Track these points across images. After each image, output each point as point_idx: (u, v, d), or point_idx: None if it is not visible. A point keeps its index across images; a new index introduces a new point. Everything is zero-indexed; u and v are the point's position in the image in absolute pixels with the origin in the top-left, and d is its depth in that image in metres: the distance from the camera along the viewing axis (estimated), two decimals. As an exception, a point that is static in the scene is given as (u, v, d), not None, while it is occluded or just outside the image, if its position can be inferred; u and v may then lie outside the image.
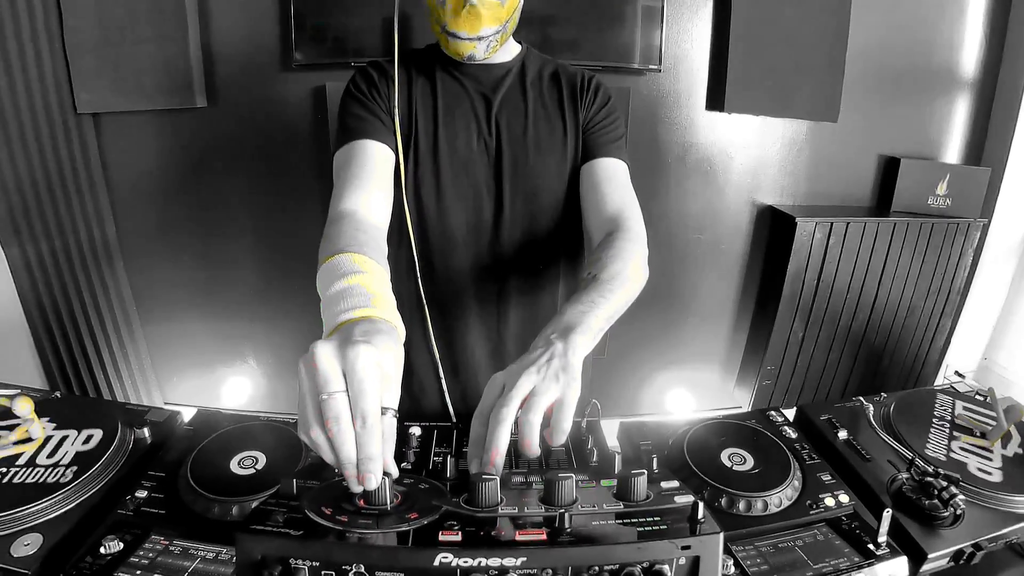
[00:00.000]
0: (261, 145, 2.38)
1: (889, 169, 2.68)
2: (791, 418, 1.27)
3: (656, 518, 0.58)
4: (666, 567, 0.55)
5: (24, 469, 0.94)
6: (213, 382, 2.76)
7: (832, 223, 2.48)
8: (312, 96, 2.29)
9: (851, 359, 2.81)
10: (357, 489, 0.58)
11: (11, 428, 1.00)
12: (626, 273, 0.99)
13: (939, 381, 3.04)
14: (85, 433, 1.04)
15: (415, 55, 1.17)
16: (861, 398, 1.27)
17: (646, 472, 0.62)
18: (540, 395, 0.69)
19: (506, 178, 1.15)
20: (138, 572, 0.74)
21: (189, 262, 2.57)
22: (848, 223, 2.50)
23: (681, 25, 2.33)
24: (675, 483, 0.64)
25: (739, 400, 2.93)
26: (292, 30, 2.16)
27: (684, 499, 0.61)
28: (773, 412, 1.24)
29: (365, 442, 0.57)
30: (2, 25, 2.08)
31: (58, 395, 1.20)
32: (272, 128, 2.35)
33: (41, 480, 0.92)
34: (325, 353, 0.59)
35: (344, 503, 0.58)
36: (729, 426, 1.16)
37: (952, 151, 2.74)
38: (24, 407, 0.99)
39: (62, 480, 0.91)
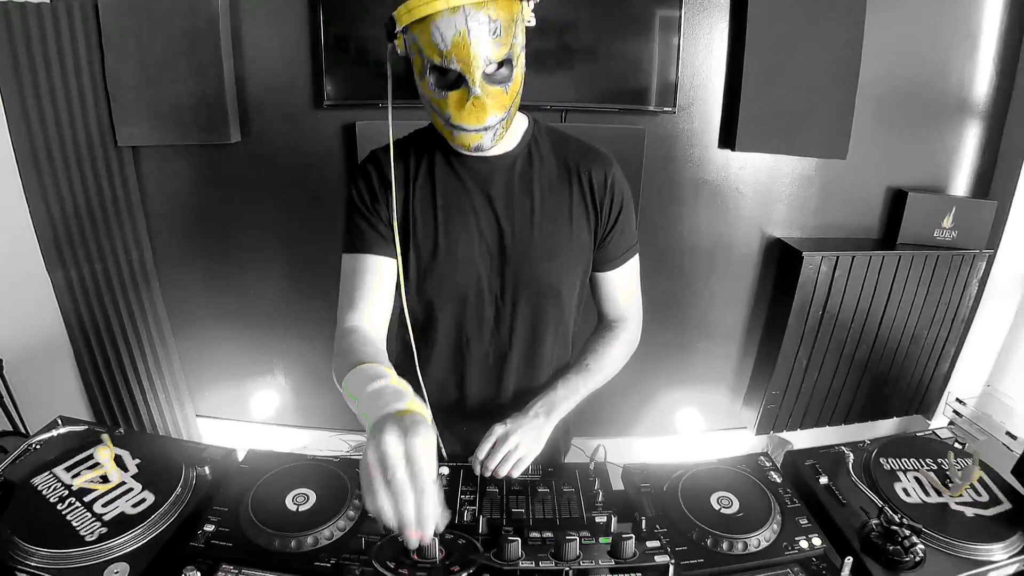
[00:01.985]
0: (291, 179, 2.53)
1: (896, 202, 2.75)
2: (780, 460, 1.38)
3: (639, 574, 0.76)
4: None
5: (104, 505, 1.08)
6: (243, 395, 2.91)
7: (838, 256, 2.57)
8: (341, 134, 2.43)
9: (855, 385, 2.90)
10: (415, 545, 0.73)
11: (92, 466, 1.15)
12: (609, 370, 1.27)
13: (941, 408, 3.11)
14: (154, 471, 1.18)
15: (416, 140, 1.19)
16: (843, 446, 1.37)
17: (634, 536, 0.77)
18: (521, 454, 1.09)
19: (508, 282, 1.17)
20: (216, 598, 0.88)
21: (220, 285, 2.73)
22: (854, 256, 2.59)
23: (695, 68, 2.43)
24: (657, 543, 0.79)
25: (745, 421, 3.03)
26: (323, 70, 2.30)
27: (662, 559, 0.77)
28: (762, 458, 1.35)
29: (423, 507, 0.71)
30: (49, 65, 2.24)
31: (121, 431, 1.34)
32: (302, 163, 2.50)
33: (140, 501, 1.07)
34: (392, 442, 0.72)
35: (402, 557, 0.74)
36: (720, 471, 1.27)
37: (960, 183, 2.81)
38: (104, 455, 1.12)
39: (139, 515, 1.05)
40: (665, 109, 2.40)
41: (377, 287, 1.13)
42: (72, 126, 2.34)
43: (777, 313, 2.76)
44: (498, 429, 1.09)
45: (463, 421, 1.30)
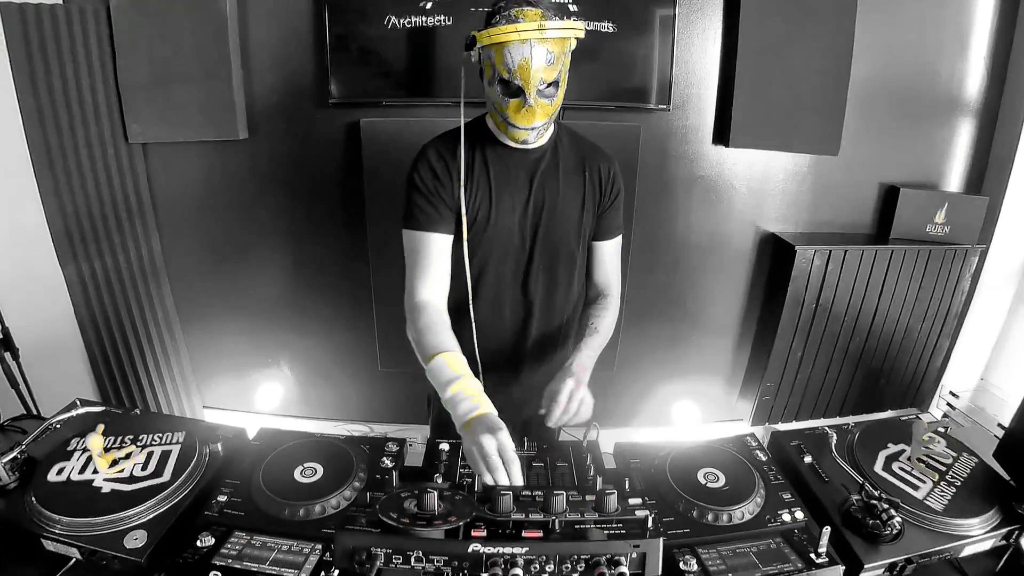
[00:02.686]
0: (297, 175, 2.59)
1: (889, 198, 2.79)
2: (767, 440, 1.44)
3: (619, 525, 0.87)
4: (623, 559, 0.83)
5: (124, 478, 1.15)
6: (249, 387, 2.97)
7: (831, 251, 2.62)
8: (346, 131, 2.49)
9: (849, 378, 2.94)
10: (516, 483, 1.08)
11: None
12: (608, 331, 1.55)
13: (935, 401, 3.15)
14: (170, 448, 1.25)
15: (467, 134, 1.39)
16: (827, 427, 1.43)
17: (616, 491, 0.86)
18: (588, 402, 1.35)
19: (538, 244, 1.46)
20: (229, 560, 0.95)
21: (227, 279, 2.79)
22: (846, 250, 2.64)
23: (690, 66, 2.49)
24: (639, 500, 0.86)
25: (741, 413, 3.08)
26: (328, 69, 2.36)
27: (641, 513, 0.87)
28: (749, 438, 1.41)
29: (512, 473, 1.09)
30: (62, 64, 2.30)
31: (138, 411, 1.40)
32: (308, 160, 2.56)
33: (141, 487, 1.14)
34: (487, 441, 1.09)
35: (404, 509, 0.82)
36: (707, 449, 1.34)
37: (952, 179, 2.85)
38: (96, 444, 1.19)
39: (157, 486, 1.12)
40: (660, 107, 2.46)
41: (438, 260, 1.40)
42: (84, 124, 2.40)
43: (771, 307, 2.81)
44: (569, 383, 1.33)
45: (500, 355, 1.56)
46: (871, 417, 3.19)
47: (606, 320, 1.55)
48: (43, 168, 2.42)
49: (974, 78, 2.69)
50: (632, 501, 0.89)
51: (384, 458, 1.25)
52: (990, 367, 3.18)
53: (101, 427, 1.24)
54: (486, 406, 1.19)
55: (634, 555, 0.83)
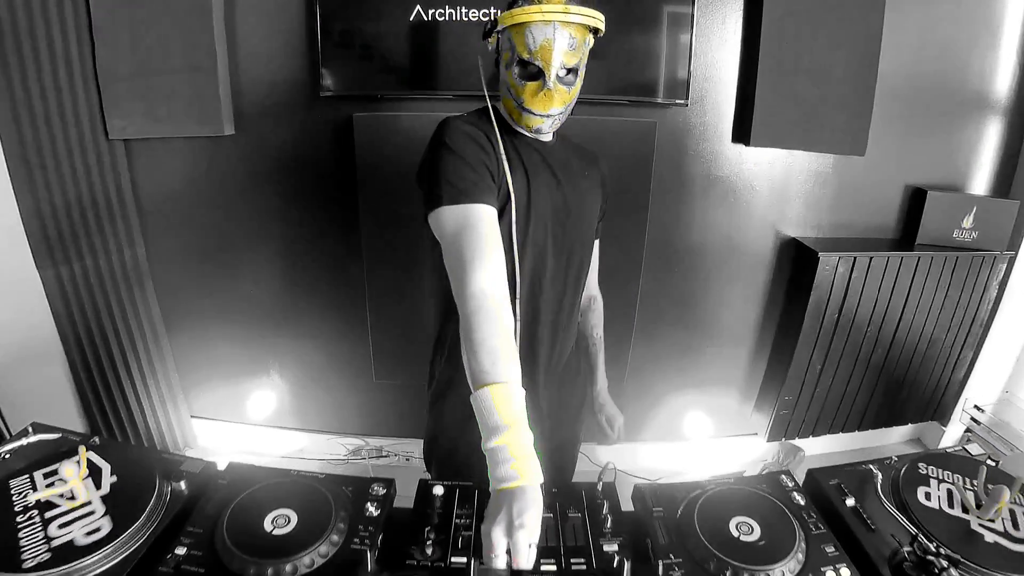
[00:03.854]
0: (287, 172, 2.44)
1: (915, 200, 2.65)
2: (801, 479, 1.28)
3: None
4: None
5: (70, 523, 1.00)
6: (238, 396, 2.82)
7: (855, 258, 2.47)
8: (339, 126, 2.33)
9: (870, 390, 2.80)
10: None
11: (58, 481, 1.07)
12: (603, 332, 1.76)
13: (957, 415, 3.02)
14: (125, 485, 1.10)
15: (485, 117, 1.31)
16: (871, 465, 1.28)
17: None
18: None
19: (567, 233, 1.38)
20: (182, 629, 0.79)
21: (215, 282, 2.64)
22: (871, 257, 2.49)
23: (708, 59, 2.33)
24: None
25: (756, 426, 2.94)
26: (320, 60, 2.21)
27: None
28: (783, 476, 1.25)
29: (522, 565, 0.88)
30: (37, 54, 2.15)
31: (96, 440, 1.26)
32: (298, 156, 2.40)
33: (86, 534, 0.98)
34: (498, 536, 0.89)
35: None
36: (739, 493, 1.18)
37: (979, 181, 2.71)
38: (71, 472, 1.04)
39: (105, 535, 0.97)
40: (677, 101, 2.30)
41: (494, 235, 1.16)
42: (62, 119, 2.25)
43: (791, 316, 2.66)
44: (619, 418, 1.73)
45: (534, 370, 1.43)
46: (891, 430, 3.08)
47: (602, 328, 1.74)
48: (18, 166, 2.27)
49: (1004, 75, 2.55)
50: None
51: (368, 504, 1.09)
52: (1014, 379, 3.05)
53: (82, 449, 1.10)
54: (527, 477, 0.95)
55: None
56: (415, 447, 2.82)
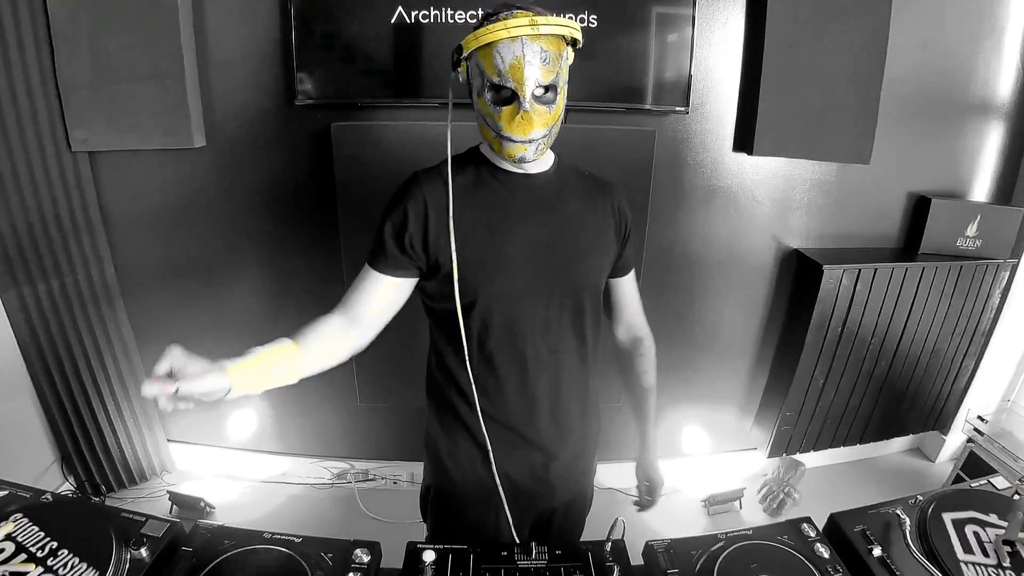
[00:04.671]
0: (262, 186, 2.31)
1: (919, 208, 2.59)
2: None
3: None
4: None
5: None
6: (217, 418, 2.70)
7: (860, 269, 2.40)
8: (315, 136, 2.20)
9: (872, 403, 2.75)
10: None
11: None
12: (655, 379, 1.59)
13: (958, 423, 2.96)
14: (82, 552, 0.98)
15: (464, 160, 1.26)
16: (896, 510, 1.19)
17: None
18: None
19: (556, 276, 1.25)
20: None
21: (189, 300, 2.50)
22: (876, 269, 2.42)
23: (708, 66, 2.23)
24: None
25: (756, 441, 2.86)
26: (295, 66, 2.07)
27: None
28: (806, 525, 1.16)
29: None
30: (-9, 59, 2.01)
31: (49, 497, 1.14)
32: (274, 169, 2.27)
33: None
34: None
35: None
36: (760, 548, 1.08)
37: (982, 189, 2.66)
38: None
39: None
40: (676, 109, 2.19)
41: (374, 300, 1.24)
42: (20, 129, 2.09)
43: (793, 329, 2.58)
44: (661, 486, 1.57)
45: (529, 424, 1.32)
46: (892, 442, 3.01)
47: (654, 374, 1.56)
48: (-27, 181, 2.12)
49: (1007, 82, 2.50)
50: None
51: (351, 574, 0.98)
52: (1014, 387, 3.01)
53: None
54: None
55: None
56: (402, 470, 2.70)
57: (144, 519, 1.12)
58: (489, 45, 1.08)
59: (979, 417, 2.90)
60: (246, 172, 2.28)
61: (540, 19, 1.07)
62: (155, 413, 2.64)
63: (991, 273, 2.61)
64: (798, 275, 2.54)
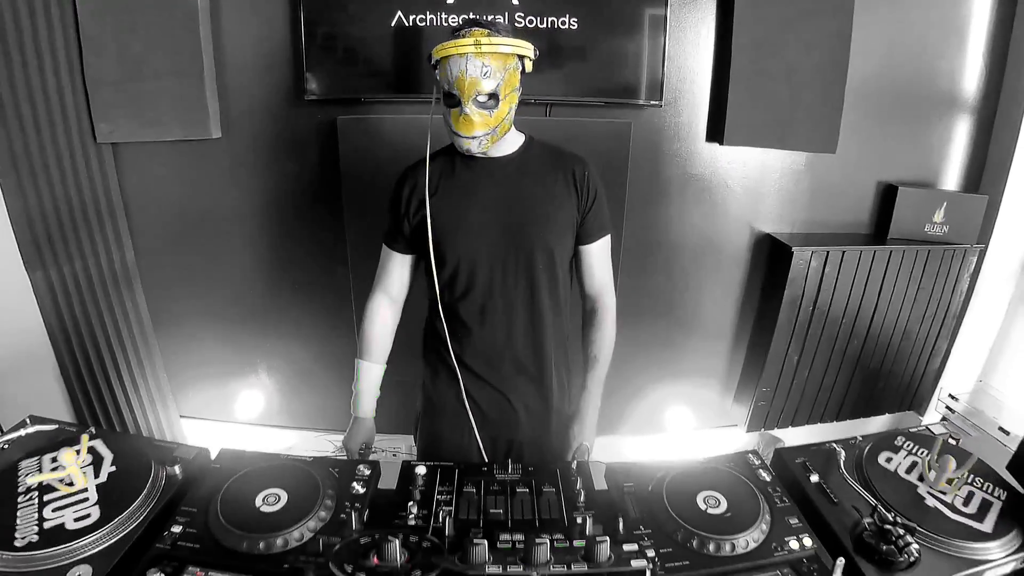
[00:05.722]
0: (273, 175, 2.49)
1: (887, 196, 2.72)
2: (770, 458, 1.35)
3: None
4: None
5: (69, 506, 1.04)
6: (227, 396, 2.86)
7: (828, 252, 2.54)
8: (322, 129, 2.38)
9: (846, 381, 2.87)
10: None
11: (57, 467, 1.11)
12: (609, 352, 1.63)
13: (933, 404, 3.09)
14: (123, 470, 1.14)
15: (443, 153, 1.54)
16: (835, 443, 1.34)
17: (608, 539, 0.72)
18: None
19: (514, 241, 1.48)
20: (181, 601, 0.84)
21: (203, 283, 2.68)
22: (844, 251, 2.56)
23: (682, 60, 2.40)
24: (635, 546, 0.75)
25: (735, 418, 3.00)
26: (305, 65, 2.26)
27: (638, 563, 0.72)
28: (750, 455, 1.32)
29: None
30: (25, 61, 2.19)
31: (92, 430, 1.30)
32: (284, 158, 2.45)
33: (85, 516, 1.03)
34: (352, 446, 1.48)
35: (361, 560, 0.70)
36: (706, 470, 1.24)
37: (950, 178, 2.79)
38: (69, 459, 1.09)
39: (104, 517, 1.02)
40: (652, 103, 2.36)
41: (394, 272, 1.62)
42: (50, 123, 2.28)
43: (767, 309, 2.73)
44: (579, 444, 1.58)
45: (490, 366, 1.58)
46: (869, 420, 3.15)
47: (604, 345, 1.62)
48: (7, 170, 2.31)
49: (972, 75, 2.64)
50: (627, 548, 0.76)
51: (355, 483, 1.15)
52: (988, 369, 3.13)
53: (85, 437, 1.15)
54: (361, 411, 1.67)
55: None
56: (402, 443, 2.86)
57: (176, 445, 1.29)
58: (444, 58, 1.33)
59: (951, 395, 3.04)
60: (258, 161, 2.46)
61: (485, 40, 1.30)
62: (168, 390, 2.81)
63: (959, 258, 2.72)
64: (771, 258, 2.69)
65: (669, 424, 2.94)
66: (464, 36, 1.31)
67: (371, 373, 1.65)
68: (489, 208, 1.47)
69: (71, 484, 1.10)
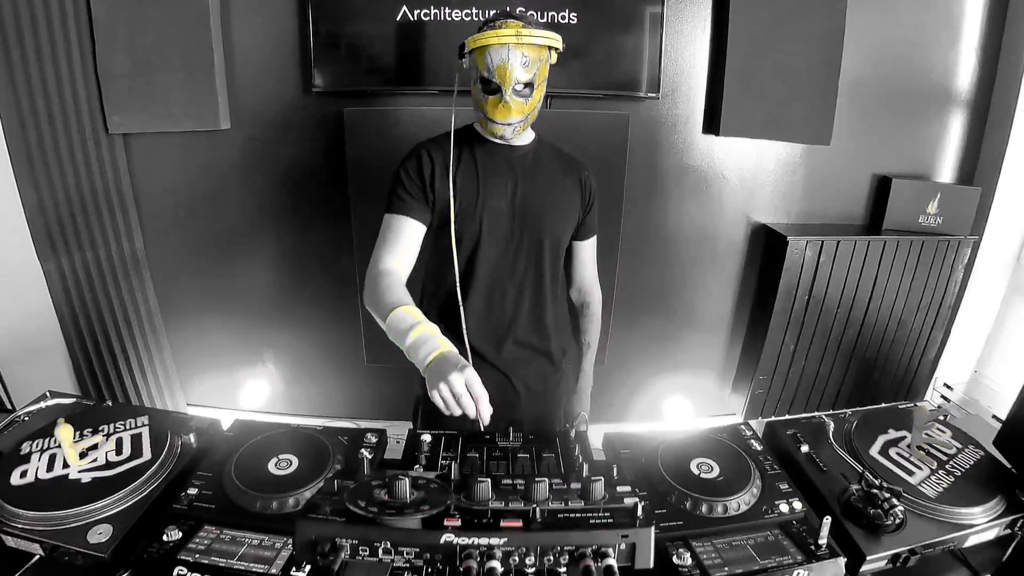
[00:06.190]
0: (281, 165, 2.54)
1: (881, 188, 2.76)
2: (761, 430, 1.40)
3: (606, 514, 0.79)
4: (610, 550, 0.75)
5: (91, 469, 1.10)
6: (233, 384, 2.91)
7: (823, 242, 2.59)
8: (329, 120, 2.44)
9: (842, 371, 2.91)
10: (487, 420, 1.11)
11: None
12: (597, 337, 1.86)
13: (929, 394, 3.12)
14: (140, 439, 1.19)
15: (458, 133, 1.54)
16: (824, 415, 1.39)
17: (603, 478, 0.79)
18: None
19: (526, 228, 1.55)
20: (196, 555, 0.90)
21: (211, 273, 2.73)
22: (839, 241, 2.61)
23: (679, 54, 2.45)
24: (628, 487, 0.81)
25: (733, 407, 3.05)
26: (312, 57, 2.31)
27: (629, 500, 0.78)
28: (743, 427, 1.37)
29: (484, 409, 1.10)
30: (40, 53, 2.25)
31: (109, 404, 1.35)
32: (292, 150, 2.51)
33: (107, 478, 1.08)
34: (456, 378, 1.09)
35: (374, 497, 0.76)
36: (700, 438, 1.29)
37: (944, 170, 2.83)
38: (65, 434, 1.14)
39: (125, 478, 1.07)
40: (649, 95, 2.42)
41: (409, 241, 1.49)
42: (63, 115, 2.34)
43: (763, 299, 2.77)
44: (584, 416, 1.84)
45: (491, 347, 1.61)
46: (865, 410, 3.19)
47: (596, 332, 1.84)
48: (21, 161, 2.36)
49: (966, 69, 2.68)
50: (620, 488, 0.82)
51: (363, 449, 1.20)
52: (983, 359, 3.16)
53: (62, 420, 1.20)
54: (447, 345, 1.20)
55: (623, 546, 0.76)
56: (405, 430, 2.90)
57: (190, 417, 1.34)
58: (483, 47, 1.37)
59: (946, 385, 3.08)
60: (266, 152, 2.52)
61: (524, 31, 1.36)
62: (176, 379, 2.87)
63: (952, 249, 2.76)
64: (766, 248, 2.74)
65: (666, 414, 2.98)
66: (500, 27, 1.37)
67: (413, 310, 1.27)
68: (506, 194, 1.52)
69: (96, 448, 1.15)
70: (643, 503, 0.77)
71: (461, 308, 1.53)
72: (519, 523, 0.76)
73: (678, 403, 3.00)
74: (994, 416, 2.75)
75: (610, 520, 0.77)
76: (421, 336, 1.19)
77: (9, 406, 2.11)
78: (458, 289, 1.52)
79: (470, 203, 1.50)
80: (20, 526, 0.99)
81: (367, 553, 0.75)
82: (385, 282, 1.39)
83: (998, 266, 2.93)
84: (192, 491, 1.06)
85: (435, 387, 1.10)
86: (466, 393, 1.09)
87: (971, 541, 1.13)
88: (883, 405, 1.60)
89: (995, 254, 2.90)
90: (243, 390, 2.90)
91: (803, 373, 2.86)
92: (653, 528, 0.76)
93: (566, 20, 2.30)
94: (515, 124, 1.45)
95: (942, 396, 3.10)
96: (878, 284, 2.75)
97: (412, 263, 1.52)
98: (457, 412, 1.11)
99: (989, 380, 3.11)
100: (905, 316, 2.85)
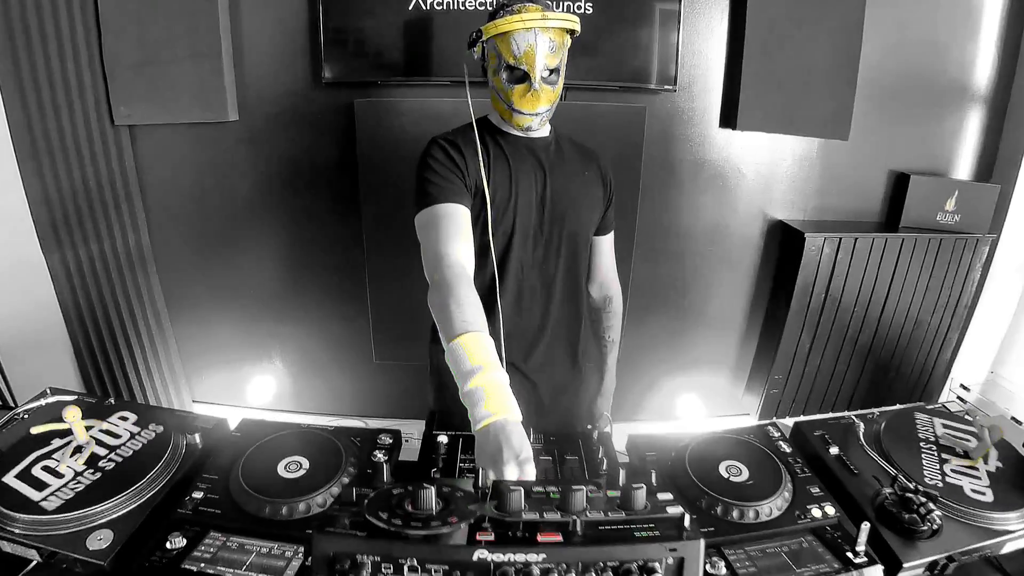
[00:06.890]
0: (289, 157, 2.49)
1: (899, 185, 2.72)
2: (788, 432, 1.35)
3: (650, 525, 0.72)
4: (657, 565, 0.69)
5: (89, 472, 1.05)
6: (239, 380, 2.87)
7: (840, 239, 2.54)
8: (340, 112, 2.39)
9: (858, 370, 2.87)
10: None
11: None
12: (620, 333, 1.78)
13: (944, 394, 3.08)
14: (142, 439, 1.15)
15: (479, 128, 1.43)
16: (853, 416, 1.35)
17: (645, 486, 0.73)
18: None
19: (556, 225, 1.48)
20: (202, 564, 0.85)
21: (218, 267, 2.69)
22: (856, 238, 2.56)
23: (696, 46, 2.41)
24: (669, 495, 0.75)
25: (747, 407, 3.00)
26: (322, 48, 2.27)
27: (675, 510, 0.73)
28: (771, 427, 1.32)
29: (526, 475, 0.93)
30: (45, 43, 2.21)
31: (111, 401, 1.31)
32: (300, 141, 2.46)
33: (106, 481, 1.04)
34: (511, 472, 0.92)
35: (396, 508, 0.70)
36: (728, 440, 1.25)
37: (962, 167, 2.78)
38: (72, 415, 1.10)
39: (125, 482, 1.02)
40: (665, 87, 2.37)
41: (465, 226, 1.33)
42: (69, 106, 2.30)
43: (779, 296, 2.73)
44: (607, 417, 1.77)
45: (523, 347, 1.52)
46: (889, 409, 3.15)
47: (618, 329, 1.76)
48: (25, 152, 2.32)
49: (984, 64, 2.63)
50: (662, 496, 0.76)
51: (376, 451, 1.16)
52: (999, 359, 3.12)
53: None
54: (504, 411, 0.99)
55: (670, 560, 0.69)
56: (414, 428, 2.86)
57: (196, 416, 1.30)
58: (506, 33, 1.30)
59: (962, 385, 3.03)
60: (274, 144, 2.47)
61: (550, 14, 1.29)
62: (182, 375, 2.83)
63: (970, 247, 2.71)
64: (783, 244, 2.70)
65: (680, 413, 2.95)
66: (521, 11, 1.29)
67: (479, 344, 1.06)
68: (535, 188, 1.44)
69: (80, 451, 1.11)
70: (692, 515, 0.72)
71: (500, 314, 1.41)
72: (558, 536, 0.70)
73: (691, 401, 2.96)
74: (1013, 418, 2.71)
75: (656, 532, 0.71)
76: (477, 392, 0.99)
77: (12, 402, 2.07)
78: (498, 294, 1.42)
79: (503, 198, 1.41)
80: (16, 531, 0.94)
81: (391, 571, 0.68)
82: (453, 290, 1.15)
83: (1015, 265, 2.89)
84: (197, 495, 1.01)
85: (484, 465, 0.95)
86: (513, 474, 0.93)
87: (1006, 548, 1.09)
88: (910, 405, 1.55)
89: (1013, 252, 2.86)
90: (250, 386, 2.86)
91: (818, 373, 2.82)
92: (703, 541, 0.71)
93: (581, 9, 2.25)
94: (543, 114, 1.38)
95: (958, 398, 3.06)
96: (895, 282, 2.70)
97: (474, 255, 1.33)
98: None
99: (1006, 381, 3.06)
100: (922, 316, 2.81)
